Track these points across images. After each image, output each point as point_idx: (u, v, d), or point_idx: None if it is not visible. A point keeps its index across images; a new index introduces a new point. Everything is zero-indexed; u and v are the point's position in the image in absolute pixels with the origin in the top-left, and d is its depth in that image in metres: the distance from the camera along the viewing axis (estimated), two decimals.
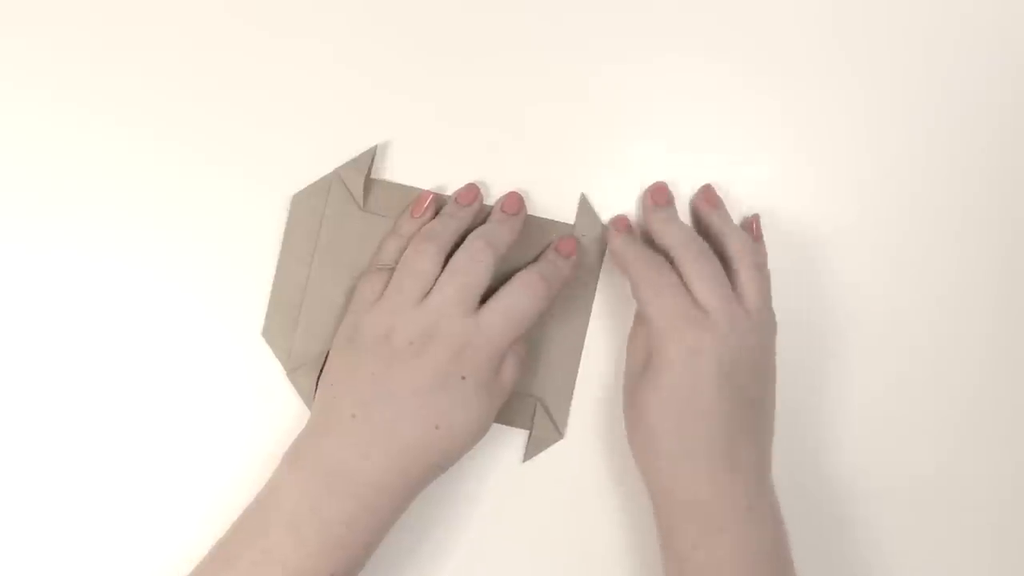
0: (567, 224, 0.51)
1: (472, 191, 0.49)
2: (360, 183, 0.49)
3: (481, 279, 0.45)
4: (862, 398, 0.52)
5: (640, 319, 0.48)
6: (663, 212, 0.49)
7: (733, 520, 0.43)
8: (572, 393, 0.51)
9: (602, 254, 0.51)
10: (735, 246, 0.47)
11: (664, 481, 0.44)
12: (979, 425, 0.53)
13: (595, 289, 0.51)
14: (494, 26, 0.51)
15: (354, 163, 0.49)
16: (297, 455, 0.44)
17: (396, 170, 0.51)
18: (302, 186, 0.50)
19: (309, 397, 0.49)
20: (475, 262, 0.45)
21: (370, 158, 0.49)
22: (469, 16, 0.51)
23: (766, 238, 0.52)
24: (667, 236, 0.47)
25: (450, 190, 0.50)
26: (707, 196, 0.50)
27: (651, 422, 0.44)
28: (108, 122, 0.49)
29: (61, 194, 0.49)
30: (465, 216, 0.48)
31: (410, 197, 0.50)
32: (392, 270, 0.46)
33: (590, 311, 0.51)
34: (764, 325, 0.46)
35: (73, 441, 0.49)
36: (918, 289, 0.52)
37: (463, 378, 0.43)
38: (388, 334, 0.44)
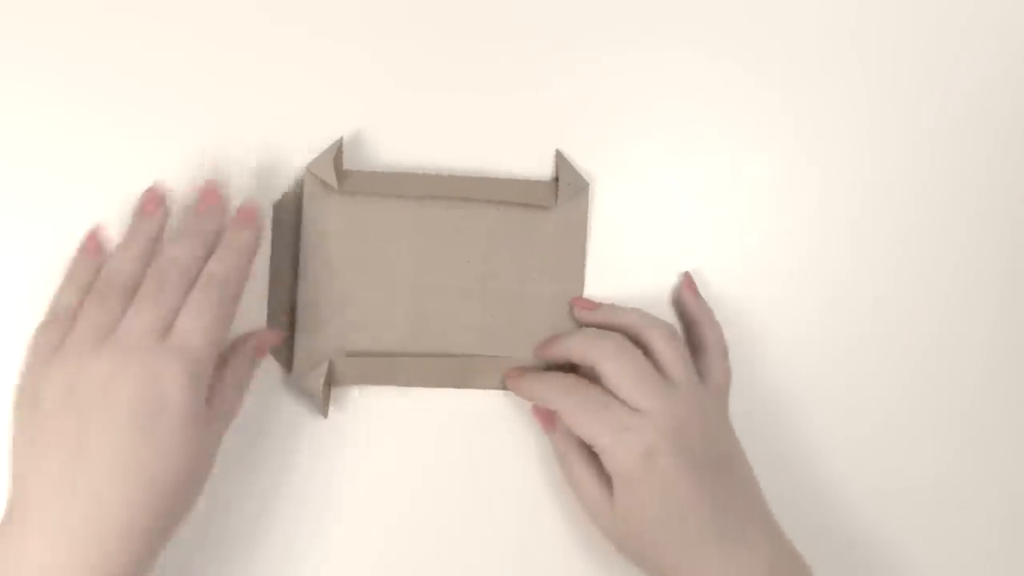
0: (548, 181, 0.51)
1: (157, 200, 0.45)
2: (330, 169, 0.48)
3: (172, 301, 0.40)
4: (863, 398, 0.52)
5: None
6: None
7: None
8: None
9: (586, 208, 0.51)
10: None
11: (677, 573, 0.44)
12: (981, 426, 0.53)
13: (585, 245, 0.51)
14: (490, 12, 0.51)
15: (320, 156, 0.49)
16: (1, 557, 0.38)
17: (380, 162, 0.50)
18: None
19: (318, 402, 0.48)
20: (163, 286, 0.41)
21: (337, 147, 0.49)
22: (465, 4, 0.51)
23: (766, 240, 0.52)
24: (577, 341, 0.47)
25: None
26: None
27: (646, 538, 0.44)
28: (108, 122, 0.49)
29: (61, 194, 0.49)
30: (151, 231, 0.44)
31: (391, 180, 0.49)
32: (69, 322, 0.41)
33: (584, 267, 0.51)
34: (697, 391, 0.46)
35: None
36: (919, 289, 0.52)
37: (163, 411, 0.38)
38: (73, 385, 0.39)
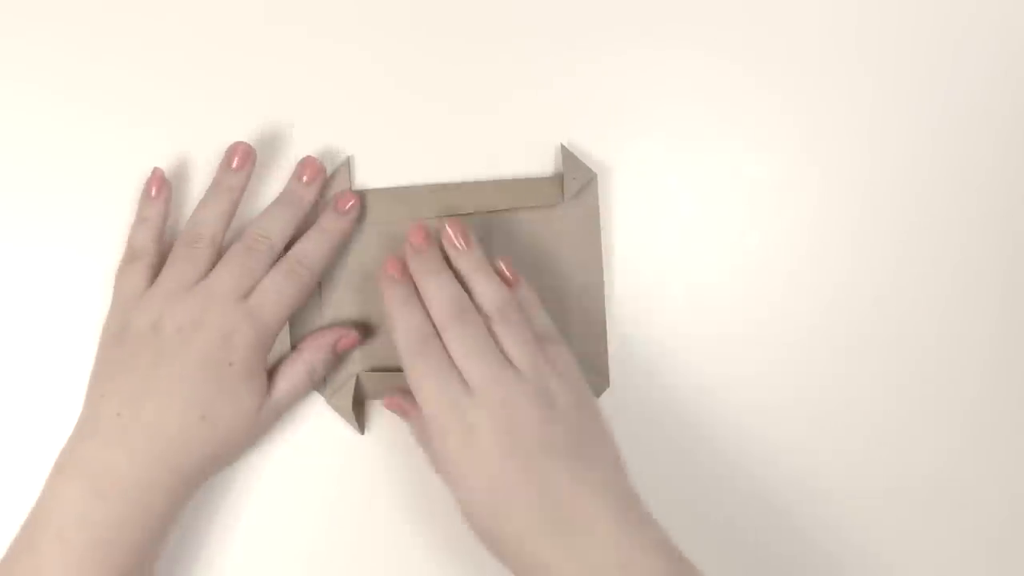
0: (554, 176, 0.50)
1: (246, 154, 0.47)
2: None
3: (258, 269, 0.45)
4: (864, 399, 0.52)
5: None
6: (420, 261, 0.45)
7: None
8: (606, 340, 0.50)
9: (596, 197, 0.50)
10: (486, 298, 0.45)
11: (523, 568, 0.41)
12: (981, 426, 0.53)
13: (599, 233, 0.51)
14: (489, 13, 0.51)
15: (332, 179, 0.49)
16: (64, 461, 0.43)
17: (388, 173, 0.50)
18: None
19: (351, 418, 0.49)
20: (252, 252, 0.45)
21: (347, 171, 0.49)
22: (461, 2, 0.51)
23: (766, 240, 0.52)
24: (426, 293, 0.44)
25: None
26: (451, 235, 0.46)
27: (483, 521, 0.42)
28: (109, 123, 0.49)
29: (61, 194, 0.49)
30: (236, 185, 0.47)
31: (404, 198, 0.49)
32: (148, 260, 0.46)
33: (600, 255, 0.51)
34: (540, 374, 0.43)
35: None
36: (920, 290, 0.52)
37: (231, 364, 0.43)
38: (157, 323, 0.43)
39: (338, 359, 0.49)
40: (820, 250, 0.52)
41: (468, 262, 0.45)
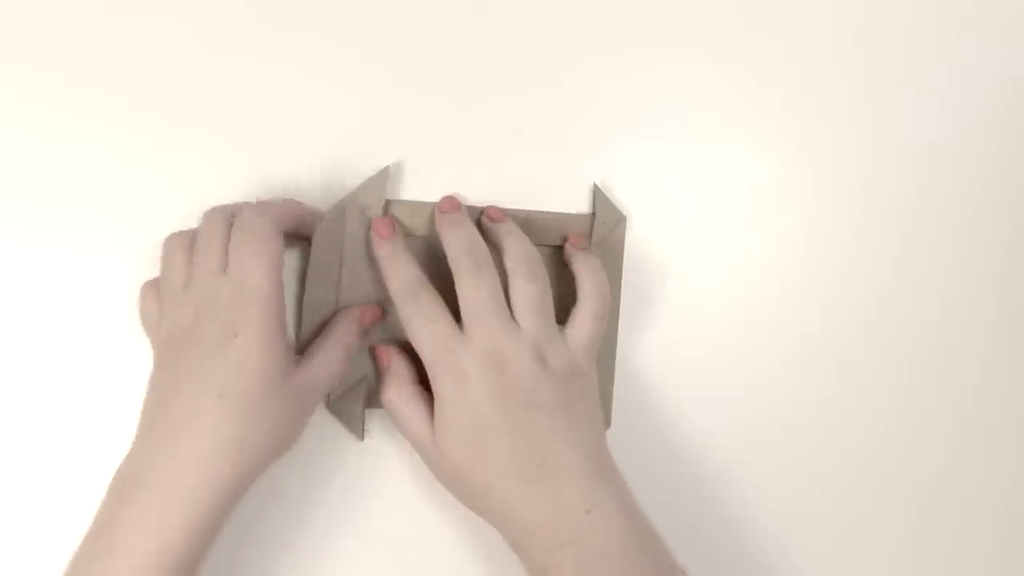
0: (586, 215, 0.50)
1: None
2: (380, 207, 0.48)
3: (220, 236, 0.43)
4: (863, 399, 0.52)
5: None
6: (448, 220, 0.47)
7: (574, 530, 0.42)
8: (613, 380, 0.50)
9: (623, 240, 0.50)
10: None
11: (495, 514, 0.44)
12: (981, 426, 0.53)
13: (620, 276, 0.50)
14: (492, 23, 0.51)
15: (369, 184, 0.48)
16: (117, 483, 0.42)
17: (405, 185, 0.50)
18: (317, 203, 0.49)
19: (356, 426, 0.48)
20: (209, 223, 0.44)
21: (385, 178, 0.48)
22: (467, 13, 0.51)
23: (766, 240, 0.52)
24: (447, 241, 0.46)
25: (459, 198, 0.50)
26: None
27: (455, 460, 0.44)
28: (112, 125, 0.49)
29: (62, 195, 0.49)
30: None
31: (428, 212, 0.49)
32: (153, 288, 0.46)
33: (618, 298, 0.50)
34: (540, 336, 0.44)
35: (76, 450, 0.48)
36: (919, 290, 0.52)
37: (235, 336, 0.41)
38: (169, 339, 0.43)
39: (367, 334, 0.48)
40: (820, 250, 0.52)
41: (505, 228, 0.47)
